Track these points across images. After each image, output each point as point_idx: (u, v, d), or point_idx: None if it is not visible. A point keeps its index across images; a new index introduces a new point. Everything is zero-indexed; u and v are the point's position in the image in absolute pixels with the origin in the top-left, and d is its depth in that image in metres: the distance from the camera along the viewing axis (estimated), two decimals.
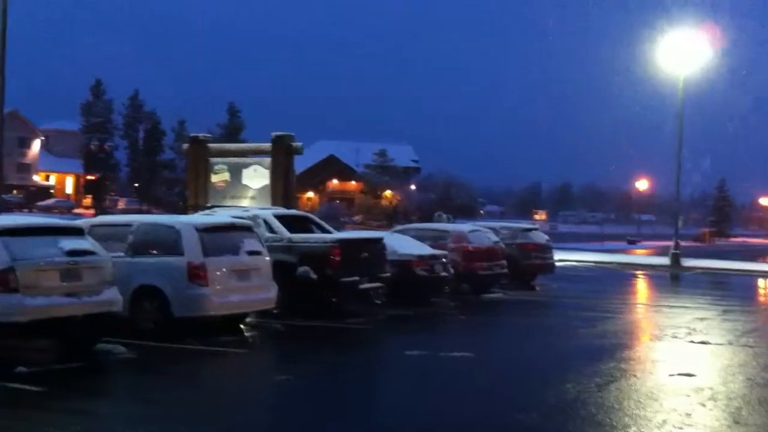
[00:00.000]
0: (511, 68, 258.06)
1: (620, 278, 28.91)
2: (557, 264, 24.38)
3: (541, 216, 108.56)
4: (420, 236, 19.24)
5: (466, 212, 71.76)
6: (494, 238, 20.87)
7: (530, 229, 24.44)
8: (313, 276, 14.57)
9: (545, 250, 23.32)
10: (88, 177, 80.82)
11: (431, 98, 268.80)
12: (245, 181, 25.87)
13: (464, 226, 22.59)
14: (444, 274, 17.79)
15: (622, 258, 38.35)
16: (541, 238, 23.92)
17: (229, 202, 24.84)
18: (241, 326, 13.12)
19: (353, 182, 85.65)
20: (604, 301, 19.80)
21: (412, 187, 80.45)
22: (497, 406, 8.57)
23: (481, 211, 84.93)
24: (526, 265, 22.03)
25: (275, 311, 13.65)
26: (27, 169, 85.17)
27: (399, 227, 22.69)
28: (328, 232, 16.61)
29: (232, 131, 78.69)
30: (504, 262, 20.24)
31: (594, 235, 61.26)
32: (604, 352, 11.99)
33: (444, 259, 17.98)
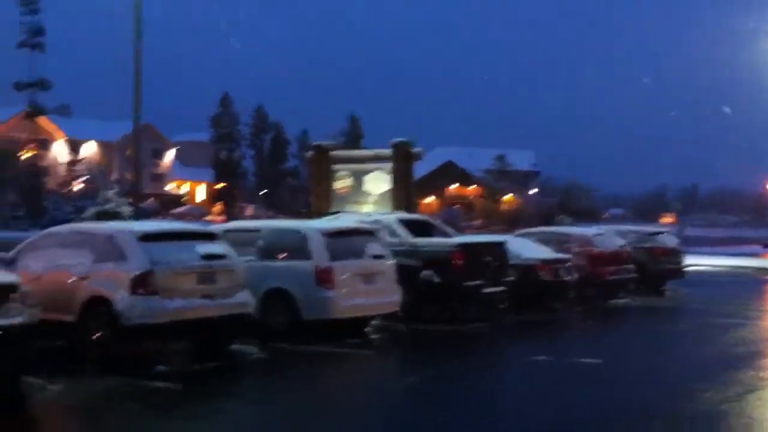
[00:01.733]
0: (633, 70, 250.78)
1: (755, 284, 27.51)
2: (687, 269, 23.46)
3: (669, 219, 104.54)
4: (543, 240, 18.96)
5: (589, 216, 70.11)
6: (620, 241, 20.31)
7: (659, 233, 23.64)
8: (436, 280, 14.61)
9: (675, 254, 22.48)
10: (218, 185, 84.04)
11: (551, 102, 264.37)
12: (366, 187, 26.23)
13: (589, 230, 22.09)
14: (568, 278, 17.46)
15: (756, 263, 36.47)
16: (671, 241, 23.09)
17: (351, 208, 25.24)
18: (367, 329, 13.30)
19: (472, 187, 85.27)
20: (738, 308, 18.90)
21: (533, 191, 79.39)
22: (631, 414, 8.34)
23: (605, 215, 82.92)
24: (655, 269, 21.29)
25: (399, 315, 13.78)
26: (161, 178, 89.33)
27: (520, 231, 22.43)
28: (450, 236, 16.63)
29: (353, 139, 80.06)
30: (631, 266, 19.67)
31: (726, 239, 58.57)
32: (741, 360, 11.46)
33: (568, 264, 17.64)
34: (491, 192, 77.84)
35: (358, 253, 12.95)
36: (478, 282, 14.84)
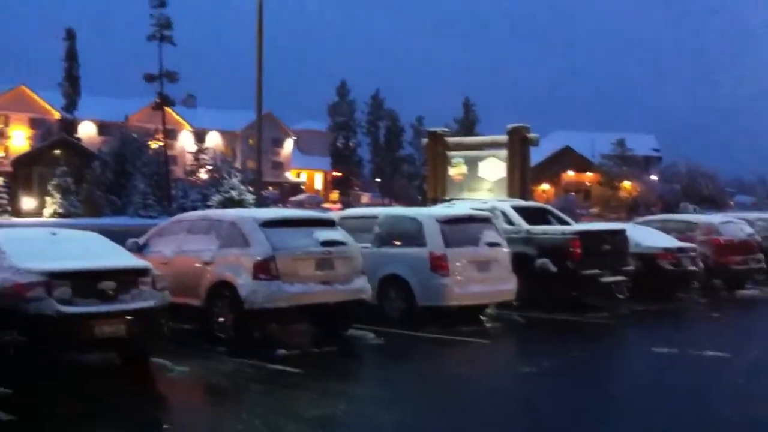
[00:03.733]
0: (760, 52, 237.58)
1: None
2: None
3: None
4: (664, 228, 18.36)
5: (714, 203, 67.17)
6: (749, 230, 19.41)
7: None
8: (553, 268, 14.41)
9: None
10: (335, 173, 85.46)
11: (672, 85, 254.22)
12: (481, 173, 26.06)
13: (714, 218, 21.20)
14: (692, 268, 16.85)
15: None
16: None
17: (466, 195, 25.15)
18: (482, 317, 13.27)
19: (589, 173, 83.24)
20: None
21: (653, 177, 76.72)
22: (763, 413, 7.99)
23: (730, 202, 79.17)
24: None
25: (514, 303, 13.67)
26: (280, 167, 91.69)
27: (641, 219, 21.76)
28: (567, 223, 16.34)
29: (468, 125, 79.65)
30: (761, 256, 18.78)
31: None
32: None
33: (693, 253, 17.02)
34: (610, 178, 75.80)
35: (474, 241, 12.93)
36: (596, 271, 14.53)
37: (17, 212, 53.05)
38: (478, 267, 12.76)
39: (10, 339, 8.45)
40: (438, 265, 12.33)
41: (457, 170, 26.66)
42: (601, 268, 14.64)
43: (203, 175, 65.44)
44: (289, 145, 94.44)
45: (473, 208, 15.10)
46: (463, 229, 13.02)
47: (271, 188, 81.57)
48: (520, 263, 13.68)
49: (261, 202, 23.86)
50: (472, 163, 26.18)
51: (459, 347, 11.35)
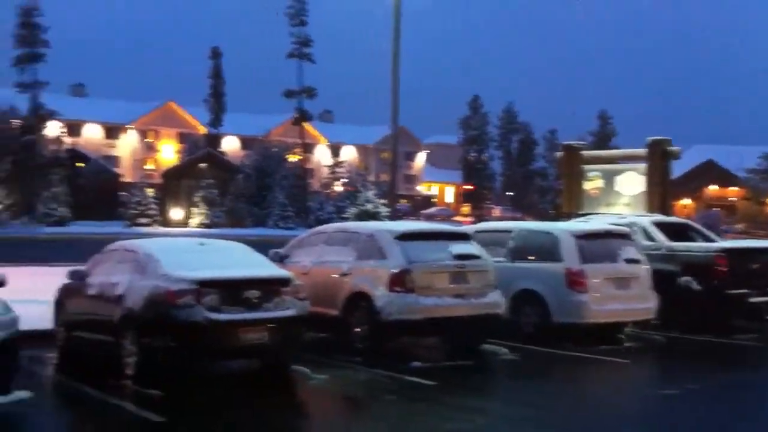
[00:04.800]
0: None
1: None
2: None
3: None
4: None
5: None
6: None
7: None
8: (696, 287, 13.83)
9: None
10: (466, 186, 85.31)
11: None
12: (618, 187, 25.36)
13: None
14: None
15: None
16: None
17: (602, 210, 24.53)
18: (620, 336, 12.90)
19: (734, 188, 79.28)
20: None
21: None
22: None
23: None
24: None
25: (654, 322, 13.21)
26: (413, 180, 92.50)
27: None
28: (711, 240, 15.65)
29: (603, 138, 77.71)
30: None
31: None
32: None
33: None
34: (756, 193, 71.86)
35: (612, 257, 12.62)
36: (744, 290, 13.83)
37: (166, 222, 56.02)
38: (617, 284, 12.43)
39: (162, 344, 8.94)
40: (574, 281, 12.11)
41: (593, 184, 26.05)
42: (750, 288, 13.91)
43: (338, 187, 66.95)
44: (421, 158, 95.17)
45: (611, 223, 14.72)
46: (600, 245, 12.73)
47: (403, 201, 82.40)
48: (660, 281, 13.21)
49: (395, 215, 24.17)
50: (608, 177, 25.51)
51: (597, 366, 11.09)
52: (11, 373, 8.46)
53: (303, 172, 65.32)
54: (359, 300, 11.05)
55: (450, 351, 11.42)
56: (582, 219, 19.08)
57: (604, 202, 25.52)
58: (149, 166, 76.59)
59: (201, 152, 65.35)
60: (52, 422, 8.23)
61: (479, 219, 65.33)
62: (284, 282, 9.57)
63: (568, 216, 24.20)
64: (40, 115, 54.14)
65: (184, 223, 56.41)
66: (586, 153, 27.40)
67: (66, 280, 10.97)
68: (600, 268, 12.30)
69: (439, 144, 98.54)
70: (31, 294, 11.44)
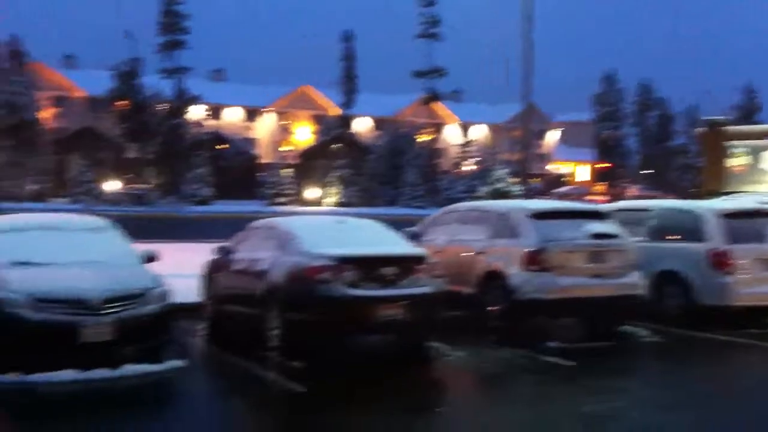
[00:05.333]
0: None
1: None
2: None
3: None
4: None
5: None
6: None
7: None
8: None
9: None
10: (600, 165, 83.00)
11: None
12: (766, 165, 24.10)
13: None
14: None
15: None
16: None
17: (748, 188, 23.37)
18: None
19: None
20: None
21: None
22: None
23: None
24: None
25: None
26: (544, 159, 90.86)
27: None
28: None
29: (747, 113, 73.70)
30: None
31: None
32: None
33: None
34: None
35: (760, 237, 12.01)
36: None
37: (302, 201, 57.68)
38: (766, 266, 11.82)
39: (303, 318, 9.26)
40: (719, 262, 11.61)
41: (738, 161, 24.87)
42: None
43: (469, 167, 66.72)
44: (552, 136, 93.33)
45: (759, 202, 14.00)
46: (747, 225, 12.13)
47: (534, 180, 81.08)
48: None
49: (529, 194, 23.90)
50: (755, 154, 24.30)
51: (745, 351, 10.60)
52: (164, 343, 9.02)
53: (433, 151, 65.49)
54: (494, 279, 11.02)
55: (588, 332, 11.22)
56: (727, 198, 18.26)
57: (749, 179, 24.31)
58: (286, 147, 78.84)
59: (334, 133, 66.71)
60: (203, 389, 8.70)
61: (616, 198, 63.53)
62: (419, 260, 9.68)
63: (712, 195, 23.21)
64: (184, 100, 56.72)
65: (320, 202, 57.87)
66: (730, 129, 26.17)
67: (213, 256, 11.53)
68: (747, 249, 11.73)
69: (571, 122, 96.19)
70: (179, 269, 12.04)
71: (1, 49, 51.97)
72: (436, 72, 63.77)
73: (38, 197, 48.60)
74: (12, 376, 7.84)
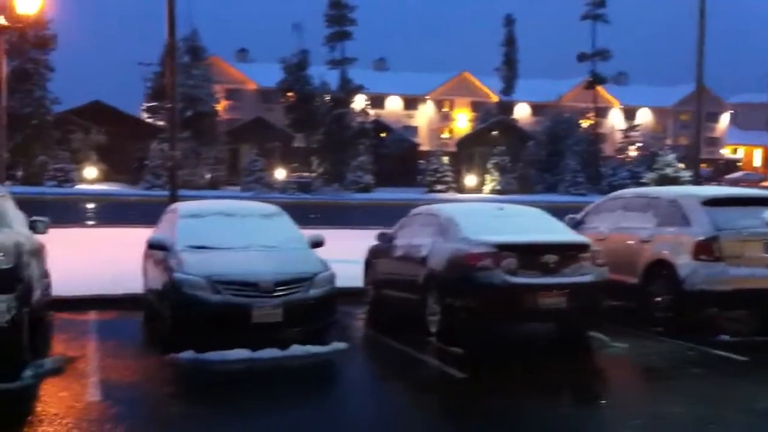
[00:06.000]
0: None
1: None
2: None
3: None
4: None
5: None
6: None
7: None
8: None
9: None
10: None
11: None
12: None
13: None
14: None
15: None
16: None
17: None
18: None
19: None
20: None
21: None
22: None
23: None
24: None
25: None
26: (715, 143, 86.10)
27: None
28: None
29: None
30: None
31: None
32: None
33: None
34: None
35: None
36: None
37: (460, 189, 57.77)
38: None
39: (462, 305, 9.31)
40: None
41: None
42: None
43: (633, 152, 64.34)
44: (724, 119, 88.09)
45: None
46: None
47: (704, 165, 76.97)
48: None
49: (697, 180, 22.73)
50: None
51: None
52: (329, 326, 9.35)
53: (595, 137, 63.65)
54: (660, 268, 10.60)
55: (762, 325, 10.59)
56: None
57: None
58: (444, 134, 79.09)
59: (493, 120, 66.24)
60: (366, 371, 8.96)
61: None
62: (582, 248, 9.49)
63: None
64: (348, 90, 58.17)
65: (478, 190, 57.72)
66: None
67: (374, 242, 11.81)
68: None
69: (745, 103, 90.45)
70: (343, 254, 12.41)
71: (181, 44, 55.39)
72: (600, 54, 61.91)
73: (212, 185, 51.46)
74: (189, 354, 8.38)
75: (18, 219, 9.07)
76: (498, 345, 9.60)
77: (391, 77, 79.56)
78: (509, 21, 70.24)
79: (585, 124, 64.90)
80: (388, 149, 61.99)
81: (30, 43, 48.51)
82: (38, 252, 9.29)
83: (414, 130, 77.74)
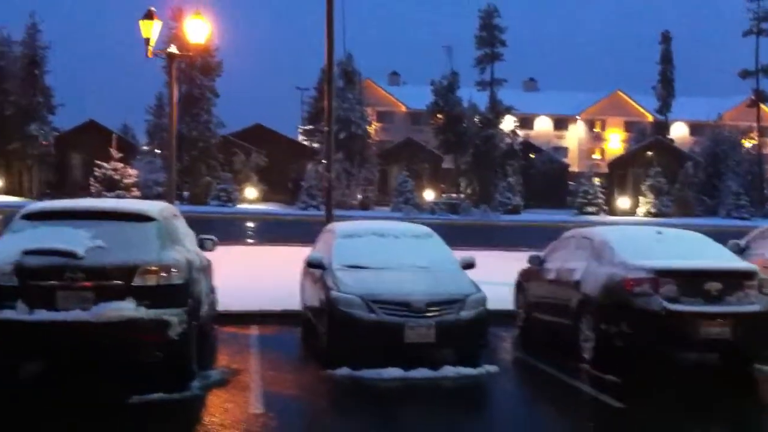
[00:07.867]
0: None
1: None
2: None
3: None
4: None
5: None
6: None
7: None
8: None
9: None
10: None
11: None
12: None
13: None
14: None
15: None
16: None
17: None
18: None
19: None
20: None
21: None
22: None
23: None
24: None
25: None
26: None
27: None
28: None
29: None
30: None
31: None
32: None
33: None
34: None
35: None
36: None
37: (612, 211, 56.08)
38: None
39: (618, 331, 9.05)
40: None
41: None
42: None
43: None
44: None
45: None
46: None
47: None
48: None
49: None
50: None
51: None
52: (481, 347, 9.34)
53: (759, 157, 60.10)
54: None
55: None
56: None
57: None
58: (595, 155, 77.18)
59: (648, 140, 64.00)
60: (518, 396, 8.87)
61: None
62: (749, 275, 9.02)
63: None
64: (497, 111, 58.04)
65: (631, 212, 55.84)
66: None
67: (525, 265, 11.70)
68: None
69: None
70: (492, 276, 12.36)
71: (336, 68, 57.26)
72: (765, 71, 58.62)
73: (363, 205, 52.61)
74: (344, 371, 8.61)
75: (189, 237, 9.64)
76: (655, 374, 9.25)
77: (540, 97, 78.63)
78: (666, 38, 67.88)
79: (748, 144, 61.50)
80: (537, 170, 61.25)
81: (198, 70, 51.56)
82: (206, 269, 9.84)
83: (564, 150, 76.34)
